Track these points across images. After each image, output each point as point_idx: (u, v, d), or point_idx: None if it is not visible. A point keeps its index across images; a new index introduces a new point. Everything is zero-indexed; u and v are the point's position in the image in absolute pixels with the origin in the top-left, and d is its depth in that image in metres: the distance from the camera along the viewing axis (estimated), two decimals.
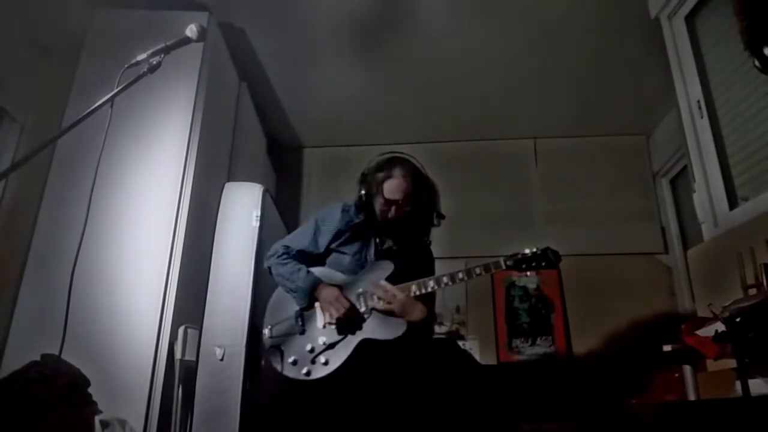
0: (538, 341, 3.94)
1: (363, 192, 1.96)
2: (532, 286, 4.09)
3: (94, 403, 1.98)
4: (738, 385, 1.53)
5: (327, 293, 1.88)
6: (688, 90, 2.67)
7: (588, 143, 4.39)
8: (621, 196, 4.21)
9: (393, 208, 1.91)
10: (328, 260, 2.02)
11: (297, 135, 4.53)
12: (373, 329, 1.85)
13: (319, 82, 3.81)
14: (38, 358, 1.90)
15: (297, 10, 3.18)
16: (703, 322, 1.88)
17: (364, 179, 1.99)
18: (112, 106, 1.39)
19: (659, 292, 3.90)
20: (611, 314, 3.78)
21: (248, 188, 2.63)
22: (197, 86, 2.70)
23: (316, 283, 1.91)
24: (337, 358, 1.82)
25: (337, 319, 1.83)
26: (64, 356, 1.48)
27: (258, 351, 2.25)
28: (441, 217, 2.03)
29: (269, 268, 2.05)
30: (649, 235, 4.11)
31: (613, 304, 3.81)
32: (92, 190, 1.55)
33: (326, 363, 1.81)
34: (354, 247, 2.00)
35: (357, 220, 2.00)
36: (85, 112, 1.34)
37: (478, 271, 1.84)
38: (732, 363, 1.66)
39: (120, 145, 2.45)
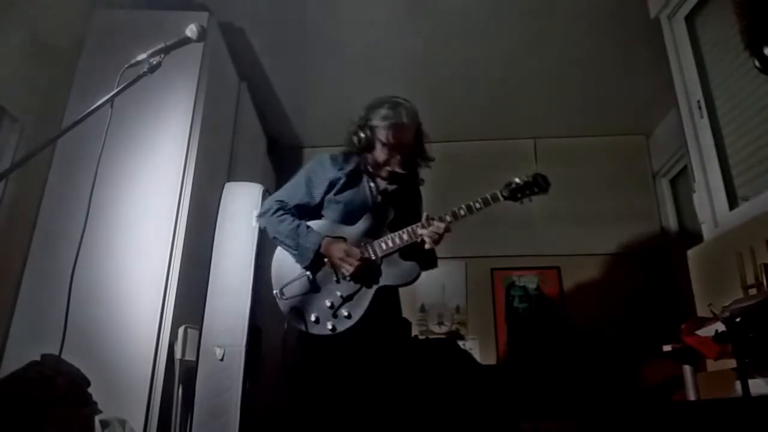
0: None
1: (362, 136, 1.92)
2: (532, 286, 4.10)
3: (94, 403, 1.98)
4: (738, 385, 1.53)
5: (335, 249, 1.83)
6: (688, 90, 2.67)
7: (588, 143, 4.40)
8: (621, 196, 4.21)
9: (399, 156, 1.89)
10: (324, 212, 1.98)
11: (297, 135, 4.54)
12: (386, 276, 1.84)
13: (319, 81, 3.81)
14: (38, 358, 1.90)
15: (297, 10, 3.18)
16: (703, 322, 1.88)
17: (365, 123, 1.94)
18: (112, 106, 1.39)
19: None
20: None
21: (248, 188, 2.63)
22: (197, 86, 2.70)
23: (320, 240, 1.86)
24: (359, 308, 1.80)
25: (353, 274, 1.81)
26: (64, 356, 1.47)
27: (258, 351, 2.25)
28: (431, 159, 2.03)
29: (264, 227, 2.00)
30: (649, 235, 4.12)
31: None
32: (92, 190, 1.54)
33: (349, 316, 1.80)
34: (349, 195, 1.95)
35: (349, 168, 1.96)
36: (85, 112, 1.34)
37: (477, 205, 1.85)
38: (732, 363, 1.65)
39: (120, 145, 2.45)
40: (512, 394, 3.04)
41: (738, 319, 1.55)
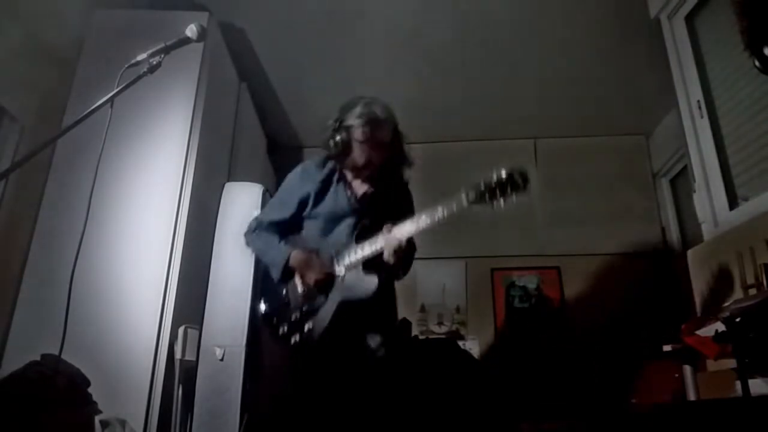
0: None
1: (338, 139, 1.84)
2: (532, 286, 4.09)
3: (94, 403, 1.98)
4: (738, 385, 1.53)
5: (300, 261, 1.83)
6: (688, 90, 2.67)
7: (588, 143, 4.40)
8: (621, 196, 4.21)
9: (377, 153, 1.83)
10: (306, 225, 1.95)
11: (297, 135, 4.54)
12: (349, 288, 1.80)
13: (319, 82, 3.81)
14: (38, 358, 1.90)
15: (297, 11, 3.19)
16: (703, 322, 1.88)
17: (340, 125, 1.85)
18: (112, 106, 1.39)
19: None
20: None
21: (248, 188, 2.63)
22: (197, 86, 2.70)
23: (288, 253, 1.85)
24: (320, 323, 1.79)
25: (309, 289, 1.81)
26: (64, 356, 1.48)
27: (258, 350, 2.26)
28: (411, 163, 1.97)
29: (248, 246, 2.02)
30: (649, 235, 4.12)
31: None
32: (92, 190, 1.54)
33: (311, 329, 1.79)
34: (325, 207, 1.91)
35: (322, 177, 1.91)
36: (85, 112, 1.34)
37: (444, 212, 1.67)
38: (732, 363, 1.66)
39: (120, 145, 2.45)
40: (512, 394, 3.04)
41: (738, 319, 1.55)
